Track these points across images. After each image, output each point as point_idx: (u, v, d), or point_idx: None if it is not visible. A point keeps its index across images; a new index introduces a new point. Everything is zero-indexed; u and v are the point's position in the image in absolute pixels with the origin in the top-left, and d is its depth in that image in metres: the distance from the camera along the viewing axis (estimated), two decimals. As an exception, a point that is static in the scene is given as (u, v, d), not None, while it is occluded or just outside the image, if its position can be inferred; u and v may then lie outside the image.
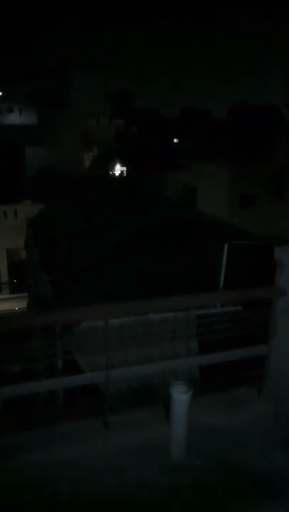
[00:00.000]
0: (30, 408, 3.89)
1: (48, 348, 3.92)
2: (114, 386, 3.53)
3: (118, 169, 38.61)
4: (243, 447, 3.13)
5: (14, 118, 34.59)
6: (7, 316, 3.93)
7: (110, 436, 3.12)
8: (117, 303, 3.15)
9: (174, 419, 2.94)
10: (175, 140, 39.76)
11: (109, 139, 42.27)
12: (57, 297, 6.99)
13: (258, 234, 9.67)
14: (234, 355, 3.52)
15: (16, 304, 17.12)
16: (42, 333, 3.58)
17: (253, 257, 6.16)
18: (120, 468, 2.92)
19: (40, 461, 2.90)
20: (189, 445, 2.99)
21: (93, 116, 43.22)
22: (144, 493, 2.75)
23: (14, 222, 19.44)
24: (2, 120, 34.31)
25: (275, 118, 32.22)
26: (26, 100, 35.11)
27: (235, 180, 21.97)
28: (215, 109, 50.17)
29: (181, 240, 7.71)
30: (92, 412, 3.28)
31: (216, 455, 3.04)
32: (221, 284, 6.53)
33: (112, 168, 38.26)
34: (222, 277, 6.61)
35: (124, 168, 38.22)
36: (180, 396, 2.87)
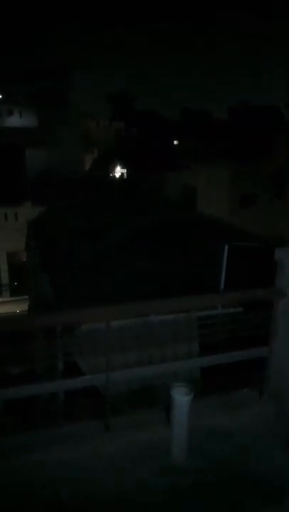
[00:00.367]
0: (31, 409, 3.90)
1: (49, 350, 3.92)
2: (114, 388, 3.52)
3: (118, 171, 38.64)
4: (244, 449, 3.13)
5: (14, 121, 34.58)
6: (8, 317, 3.93)
7: (111, 438, 3.12)
8: (119, 304, 3.15)
9: (174, 420, 2.94)
10: (175, 141, 39.78)
11: (110, 141, 42.31)
12: (57, 297, 6.99)
13: (258, 234, 9.68)
14: (235, 356, 3.52)
15: (17, 307, 17.12)
16: (43, 335, 3.58)
17: (254, 257, 6.15)
18: (120, 469, 2.92)
19: (41, 462, 2.89)
20: (190, 447, 2.99)
21: (93, 119, 43.26)
22: (145, 494, 2.75)
23: (14, 224, 19.44)
24: (2, 123, 34.31)
25: (275, 118, 32.22)
26: (26, 101, 35.07)
27: (235, 180, 21.99)
28: (215, 110, 50.33)
29: (181, 240, 7.73)
30: (93, 414, 3.27)
31: (216, 456, 3.03)
32: (222, 284, 6.52)
33: (113, 170, 38.29)
34: (223, 278, 6.60)
35: (125, 170, 38.25)
36: (181, 398, 2.87)
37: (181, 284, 5.86)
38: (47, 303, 7.77)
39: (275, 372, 3.41)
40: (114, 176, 36.99)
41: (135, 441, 3.09)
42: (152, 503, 2.71)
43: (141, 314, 4.42)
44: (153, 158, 32.02)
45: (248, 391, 3.61)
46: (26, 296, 14.96)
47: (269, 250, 3.34)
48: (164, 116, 49.55)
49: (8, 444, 3.02)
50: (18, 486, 2.77)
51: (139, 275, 6.64)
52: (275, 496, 2.78)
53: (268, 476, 2.90)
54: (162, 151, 34.52)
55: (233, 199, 22.12)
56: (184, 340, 5.01)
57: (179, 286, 5.72)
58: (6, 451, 2.96)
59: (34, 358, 3.70)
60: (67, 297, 6.48)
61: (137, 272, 6.72)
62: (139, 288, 6.00)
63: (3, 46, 72.79)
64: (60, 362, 4.14)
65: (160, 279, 6.46)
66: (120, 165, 38.50)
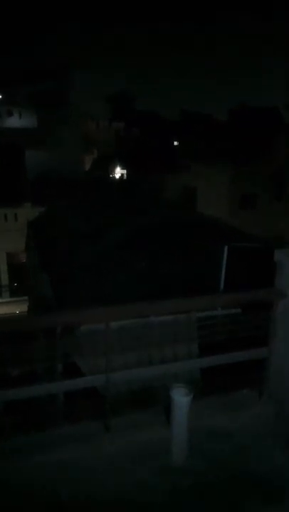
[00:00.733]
0: (31, 410, 3.90)
1: (49, 351, 3.93)
2: (114, 388, 3.53)
3: (118, 172, 38.66)
4: (244, 449, 3.13)
5: (14, 121, 34.56)
6: (8, 318, 3.94)
7: (111, 438, 3.12)
8: (119, 305, 3.15)
9: (174, 421, 2.95)
10: (175, 141, 39.77)
11: (109, 141, 42.32)
12: (57, 298, 7.00)
13: (258, 235, 9.69)
14: (235, 357, 3.52)
15: (17, 308, 17.11)
16: (43, 336, 3.59)
17: (253, 258, 6.15)
18: (120, 469, 2.92)
19: (41, 462, 2.90)
20: (190, 447, 3.00)
21: (93, 119, 43.26)
22: (145, 494, 2.76)
23: (14, 225, 19.44)
24: (2, 124, 34.29)
25: (275, 119, 32.25)
26: (26, 101, 35.05)
27: (235, 181, 21.99)
28: (215, 110, 50.45)
29: (181, 240, 7.73)
30: (93, 414, 3.28)
31: (216, 457, 3.04)
32: (222, 285, 6.53)
33: (112, 171, 38.31)
34: (222, 278, 6.61)
35: (125, 171, 38.26)
36: (181, 398, 2.88)
37: (180, 284, 5.87)
38: (47, 303, 7.78)
39: (274, 372, 3.41)
40: (114, 177, 37.01)
41: (135, 442, 3.09)
42: (152, 503, 2.71)
43: (141, 315, 4.42)
44: (153, 159, 32.02)
45: (248, 392, 3.62)
46: (26, 297, 14.96)
47: (268, 251, 3.35)
48: (164, 117, 49.61)
49: (8, 445, 3.02)
50: (19, 486, 2.78)
51: (139, 275, 6.65)
52: (275, 496, 2.78)
53: (267, 476, 2.91)
54: (162, 152, 34.52)
55: (233, 199, 22.13)
56: (183, 341, 5.02)
57: (178, 287, 5.73)
58: (6, 451, 2.96)
59: (34, 358, 3.70)
60: (67, 297, 6.48)
61: (137, 272, 6.72)
62: (139, 288, 6.00)
63: (3, 46, 72.80)
64: (60, 363, 4.15)
65: (160, 279, 6.47)
66: (120, 165, 38.52)
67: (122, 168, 38.63)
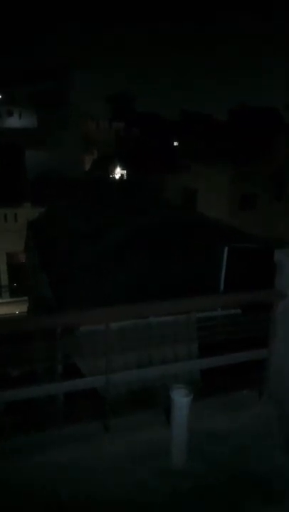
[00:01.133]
0: (31, 410, 3.90)
1: (49, 351, 3.92)
2: (114, 389, 3.53)
3: (118, 172, 38.63)
4: (244, 449, 3.13)
5: (14, 121, 34.55)
6: (8, 318, 3.94)
7: (111, 439, 3.12)
8: (119, 306, 3.15)
9: (174, 422, 2.95)
10: (175, 141, 39.76)
11: (109, 142, 42.29)
12: (57, 298, 7.00)
13: (258, 235, 9.69)
14: (235, 358, 3.52)
15: (16, 308, 17.09)
16: (42, 336, 3.58)
17: (253, 258, 6.15)
18: (120, 469, 2.92)
19: (41, 462, 2.90)
20: (190, 447, 3.00)
21: (93, 119, 43.23)
22: (145, 494, 2.76)
23: (14, 225, 19.42)
24: (2, 124, 34.27)
25: (275, 119, 32.26)
26: (26, 101, 35.04)
27: (235, 181, 21.98)
28: (215, 110, 50.42)
29: (181, 240, 7.73)
30: (93, 415, 3.28)
31: (216, 458, 3.04)
32: (222, 285, 6.52)
33: (112, 171, 38.28)
34: (222, 278, 6.61)
35: (125, 171, 38.23)
36: (180, 399, 2.88)
37: (180, 284, 5.86)
38: (47, 303, 7.78)
39: (274, 373, 3.42)
40: (114, 178, 36.99)
41: (135, 442, 3.10)
42: (152, 503, 2.72)
43: (141, 316, 4.42)
44: (153, 159, 32.00)
45: (248, 392, 3.62)
46: (26, 298, 14.95)
47: (268, 251, 3.35)
48: (164, 117, 49.60)
49: (8, 445, 3.02)
50: (19, 486, 2.78)
51: (139, 275, 6.65)
52: (275, 496, 2.79)
53: (268, 476, 2.91)
54: (162, 152, 34.50)
55: (232, 199, 22.12)
56: (183, 342, 5.02)
57: (178, 287, 5.73)
58: (6, 452, 2.96)
59: (34, 359, 3.70)
60: (67, 298, 6.48)
61: (137, 272, 6.72)
62: (139, 288, 6.00)
63: (3, 46, 72.78)
64: (59, 363, 4.14)
65: (160, 279, 6.46)
66: (120, 165, 38.50)
67: (122, 169, 38.59)
